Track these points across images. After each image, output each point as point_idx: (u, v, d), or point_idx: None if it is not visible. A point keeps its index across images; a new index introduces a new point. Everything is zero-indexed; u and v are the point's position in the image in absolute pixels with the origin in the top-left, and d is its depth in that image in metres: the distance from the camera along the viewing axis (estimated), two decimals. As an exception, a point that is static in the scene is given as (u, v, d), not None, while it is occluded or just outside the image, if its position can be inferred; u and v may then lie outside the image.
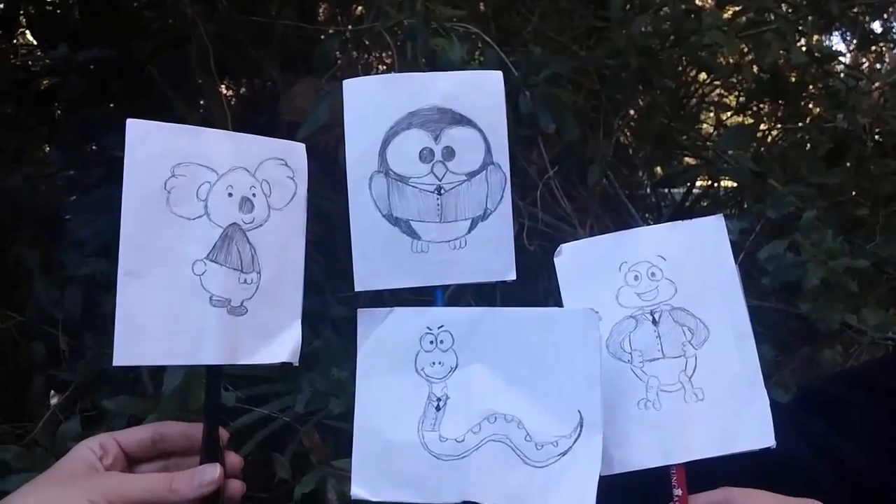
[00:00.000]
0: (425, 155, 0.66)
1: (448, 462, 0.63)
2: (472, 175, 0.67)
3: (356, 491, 0.64)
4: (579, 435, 0.62)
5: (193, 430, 0.65)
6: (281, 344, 0.65)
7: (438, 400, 0.64)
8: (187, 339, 0.61)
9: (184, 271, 0.62)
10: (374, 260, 0.66)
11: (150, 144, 0.62)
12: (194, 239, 0.62)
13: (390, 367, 0.65)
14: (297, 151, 0.68)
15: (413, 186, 0.66)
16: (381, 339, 0.66)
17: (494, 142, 0.67)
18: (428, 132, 0.66)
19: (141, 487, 0.60)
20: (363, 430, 0.65)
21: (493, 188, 0.67)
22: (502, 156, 0.68)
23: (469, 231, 0.67)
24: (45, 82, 2.16)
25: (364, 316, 0.66)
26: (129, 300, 0.60)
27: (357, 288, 0.66)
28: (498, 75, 0.68)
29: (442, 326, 0.65)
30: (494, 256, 0.67)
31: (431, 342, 0.65)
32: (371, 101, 0.67)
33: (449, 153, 0.66)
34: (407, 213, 0.66)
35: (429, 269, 0.66)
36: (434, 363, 0.65)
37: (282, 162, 0.67)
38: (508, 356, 0.64)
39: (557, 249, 0.69)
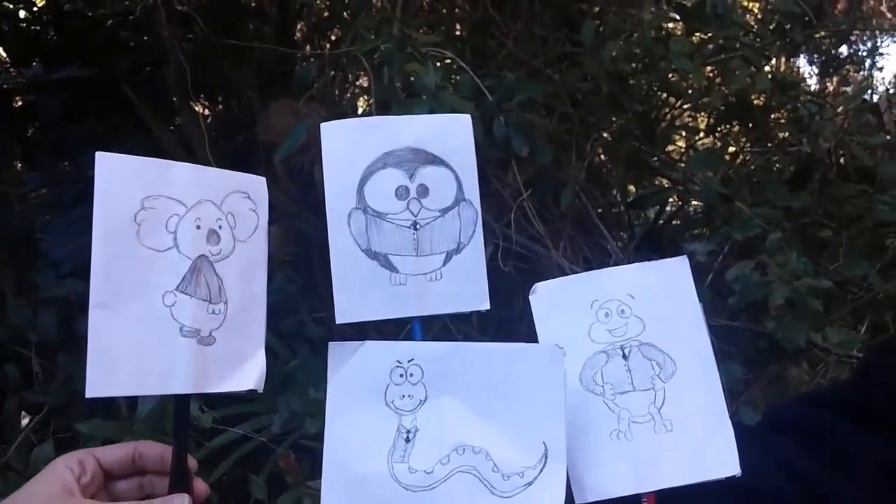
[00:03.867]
0: (401, 192, 0.68)
1: (417, 493, 0.64)
2: (445, 211, 0.69)
3: None
4: (544, 465, 0.64)
5: (169, 453, 0.65)
6: (247, 372, 0.66)
7: (408, 432, 0.65)
8: (158, 369, 0.62)
9: (154, 302, 0.62)
10: (355, 293, 0.67)
11: (119, 178, 0.62)
12: (164, 270, 0.63)
13: (360, 400, 0.66)
14: (258, 185, 0.69)
15: (390, 222, 0.68)
16: (351, 371, 0.67)
17: (465, 180, 0.70)
18: (403, 171, 0.69)
19: None
20: (333, 462, 0.66)
21: (465, 223, 0.70)
22: (473, 193, 0.70)
23: (444, 264, 0.69)
24: (18, 100, 2.14)
25: (335, 349, 0.67)
26: (100, 332, 0.60)
27: (338, 320, 0.67)
28: (467, 118, 0.71)
29: (412, 360, 0.66)
30: (469, 288, 0.69)
31: (401, 375, 0.66)
32: (348, 143, 0.69)
33: (423, 191, 0.69)
34: (385, 248, 0.68)
35: (407, 301, 0.68)
36: (404, 396, 0.66)
37: (245, 195, 0.68)
38: (476, 389, 0.66)
39: (532, 288, 0.71)
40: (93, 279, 0.61)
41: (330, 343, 0.67)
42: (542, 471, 0.64)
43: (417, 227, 0.68)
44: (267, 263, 0.69)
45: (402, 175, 0.69)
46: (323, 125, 0.68)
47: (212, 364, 0.64)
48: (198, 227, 0.65)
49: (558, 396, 0.64)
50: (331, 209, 0.68)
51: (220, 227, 0.66)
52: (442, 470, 0.64)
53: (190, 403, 0.65)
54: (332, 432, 0.66)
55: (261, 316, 0.68)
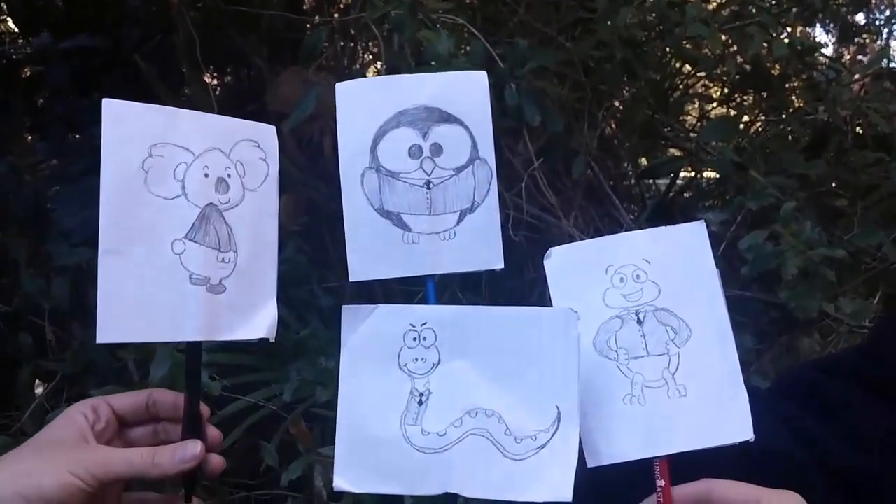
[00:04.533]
0: (414, 151, 0.68)
1: (430, 455, 0.64)
2: (459, 170, 0.69)
3: (339, 483, 0.65)
4: (557, 429, 0.64)
5: (182, 401, 0.66)
6: (259, 320, 0.66)
7: (421, 395, 0.66)
8: (168, 316, 0.62)
9: (163, 250, 0.62)
10: (367, 252, 0.67)
11: (126, 125, 0.62)
12: (172, 218, 0.63)
13: (374, 363, 0.66)
14: (268, 133, 0.69)
15: (403, 181, 0.68)
16: (364, 335, 0.67)
17: (480, 138, 0.69)
18: (416, 130, 0.68)
19: (123, 461, 0.60)
20: (346, 425, 0.66)
21: (479, 182, 0.69)
22: (488, 151, 0.69)
23: (458, 223, 0.68)
24: (27, 70, 2.14)
25: (348, 313, 0.67)
26: (109, 278, 0.60)
27: (351, 278, 0.67)
28: (482, 75, 0.70)
29: (425, 324, 0.66)
30: (482, 246, 0.69)
31: (415, 339, 0.66)
32: (362, 102, 0.68)
33: (437, 149, 0.68)
34: (398, 207, 0.67)
35: (420, 260, 0.68)
36: (417, 359, 0.66)
37: (254, 143, 0.68)
38: (490, 353, 0.65)
39: (547, 253, 0.71)
40: (102, 226, 0.61)
41: (343, 306, 0.67)
42: (554, 434, 0.64)
43: (430, 185, 0.68)
44: (279, 214, 0.68)
45: (415, 134, 0.68)
46: (338, 85, 0.67)
47: (223, 312, 0.64)
48: (206, 176, 0.64)
49: (572, 360, 0.64)
50: (344, 169, 0.68)
51: (228, 175, 0.65)
52: (454, 432, 0.65)
53: (201, 351, 0.65)
54: (346, 395, 0.66)
55: (272, 265, 0.67)
